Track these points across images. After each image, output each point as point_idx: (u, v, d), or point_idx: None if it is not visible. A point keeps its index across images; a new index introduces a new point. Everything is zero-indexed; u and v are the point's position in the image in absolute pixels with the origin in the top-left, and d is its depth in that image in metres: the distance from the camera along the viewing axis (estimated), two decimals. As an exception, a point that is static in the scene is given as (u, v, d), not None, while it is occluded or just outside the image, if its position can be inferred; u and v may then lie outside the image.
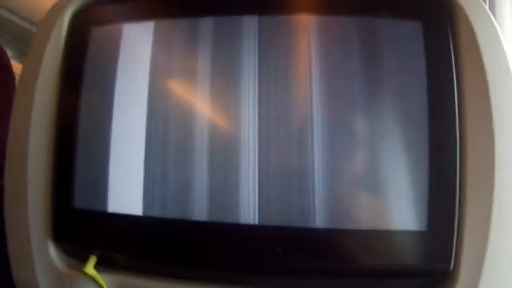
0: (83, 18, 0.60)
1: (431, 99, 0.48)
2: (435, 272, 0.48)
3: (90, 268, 0.53)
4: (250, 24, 0.53)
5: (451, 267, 0.47)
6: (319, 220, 0.48)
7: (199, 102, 0.53)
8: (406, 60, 0.49)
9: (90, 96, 0.57)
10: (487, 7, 0.51)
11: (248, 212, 0.49)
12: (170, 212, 0.51)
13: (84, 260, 0.54)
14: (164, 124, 0.53)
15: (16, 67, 0.92)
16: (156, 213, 0.52)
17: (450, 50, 0.49)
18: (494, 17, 0.51)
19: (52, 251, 0.56)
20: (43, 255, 0.56)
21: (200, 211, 0.50)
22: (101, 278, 0.53)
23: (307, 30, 0.52)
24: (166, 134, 0.53)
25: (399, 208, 0.48)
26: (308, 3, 0.53)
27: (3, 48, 0.88)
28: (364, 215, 0.48)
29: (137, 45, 0.57)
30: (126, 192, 0.53)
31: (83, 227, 0.55)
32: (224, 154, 0.51)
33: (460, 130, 0.48)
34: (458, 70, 0.48)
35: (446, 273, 0.47)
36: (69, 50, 0.59)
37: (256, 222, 0.49)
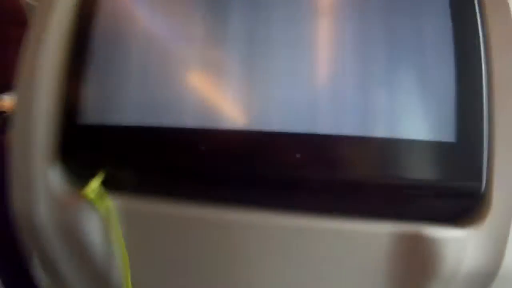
0: None
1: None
2: (465, 191, 0.43)
3: (91, 190, 0.50)
4: None
5: (483, 187, 0.42)
6: (327, 125, 0.44)
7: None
8: None
9: (107, 14, 0.54)
10: None
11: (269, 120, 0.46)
12: (183, 122, 0.48)
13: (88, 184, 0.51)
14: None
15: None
16: (167, 123, 0.48)
17: None
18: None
19: (55, 175, 0.53)
20: (44, 181, 0.53)
21: (219, 119, 0.47)
22: (102, 203, 0.50)
23: None
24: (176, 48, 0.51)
25: (424, 116, 0.43)
26: None
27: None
28: (386, 122, 0.44)
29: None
30: (137, 104, 0.50)
31: (90, 143, 0.52)
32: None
33: (484, 31, 0.44)
34: None
35: (477, 194, 0.42)
36: None
37: (275, 129, 0.46)
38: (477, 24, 0.44)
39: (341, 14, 0.48)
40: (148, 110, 0.50)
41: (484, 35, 0.44)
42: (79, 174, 0.53)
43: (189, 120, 0.48)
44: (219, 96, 0.48)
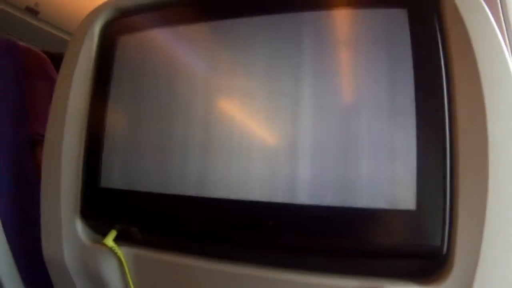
0: (111, 29, 0.69)
1: (419, 78, 0.49)
2: (426, 253, 0.47)
3: (109, 240, 0.59)
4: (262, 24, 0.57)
5: (443, 250, 0.46)
6: (305, 196, 0.50)
7: (215, 95, 0.58)
8: (394, 47, 0.51)
9: (118, 97, 0.65)
10: None
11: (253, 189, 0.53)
12: (180, 190, 0.57)
13: (106, 234, 0.61)
14: (182, 113, 0.59)
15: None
16: (168, 190, 0.58)
17: (437, 35, 0.49)
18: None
19: (79, 226, 0.64)
20: (70, 230, 0.63)
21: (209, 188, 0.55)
22: (119, 250, 0.59)
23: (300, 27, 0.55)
24: (184, 120, 0.59)
25: (385, 186, 0.48)
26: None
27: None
28: (348, 191, 0.49)
29: (161, 51, 0.64)
30: (146, 173, 0.60)
31: (107, 204, 0.62)
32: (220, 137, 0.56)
33: (449, 103, 0.48)
34: (446, 54, 0.49)
35: (437, 256, 0.46)
36: (100, 58, 0.68)
37: (250, 198, 0.53)
38: (442, 93, 0.48)
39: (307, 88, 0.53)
40: (154, 180, 0.59)
41: (449, 102, 0.48)
42: (100, 226, 0.63)
43: (186, 189, 0.57)
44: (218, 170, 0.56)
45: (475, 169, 0.46)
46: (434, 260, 0.47)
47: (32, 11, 1.83)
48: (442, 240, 0.46)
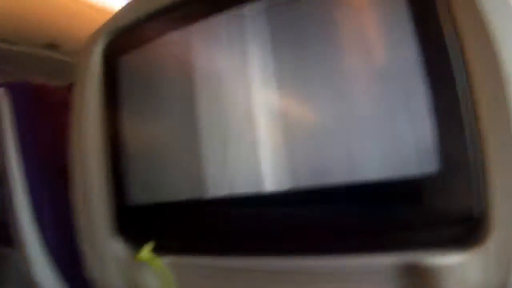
0: (113, 48, 0.70)
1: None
2: (460, 217, 0.42)
3: (147, 253, 0.60)
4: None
5: (480, 210, 0.41)
6: (327, 175, 0.49)
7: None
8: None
9: (131, 114, 0.66)
10: None
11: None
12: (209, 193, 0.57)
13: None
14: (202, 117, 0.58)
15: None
16: (199, 196, 0.58)
17: None
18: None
19: (117, 245, 0.65)
20: (109, 251, 0.65)
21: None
22: (159, 261, 0.60)
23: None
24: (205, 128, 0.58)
25: (405, 152, 0.44)
26: None
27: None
28: (370, 164, 0.46)
29: (165, 60, 0.64)
30: (171, 183, 0.61)
31: (140, 220, 0.64)
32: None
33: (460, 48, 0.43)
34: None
35: (474, 218, 0.41)
36: (107, 78, 0.69)
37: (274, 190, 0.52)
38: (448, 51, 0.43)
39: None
40: (181, 188, 0.60)
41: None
42: (137, 241, 0.64)
43: (217, 191, 0.56)
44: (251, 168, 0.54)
45: (498, 111, 0.40)
46: (470, 223, 0.42)
47: (52, 46, 1.91)
48: (475, 200, 0.41)
